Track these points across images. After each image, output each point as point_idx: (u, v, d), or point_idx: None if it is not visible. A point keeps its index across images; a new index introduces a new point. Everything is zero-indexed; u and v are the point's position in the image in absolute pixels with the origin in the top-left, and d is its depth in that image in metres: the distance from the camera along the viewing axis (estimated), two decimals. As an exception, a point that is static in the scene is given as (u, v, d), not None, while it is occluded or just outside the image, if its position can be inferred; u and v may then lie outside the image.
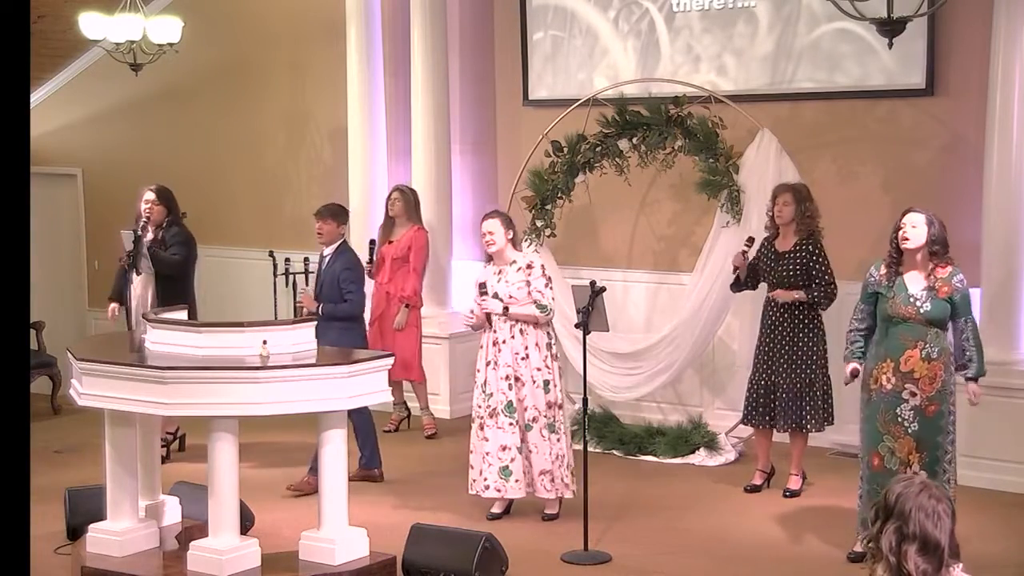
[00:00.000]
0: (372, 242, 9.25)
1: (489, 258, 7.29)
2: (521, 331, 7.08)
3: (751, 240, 7.72)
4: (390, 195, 9.31)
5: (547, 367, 7.10)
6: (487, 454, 7.10)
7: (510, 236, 7.18)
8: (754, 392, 7.65)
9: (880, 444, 6.17)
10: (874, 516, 3.39)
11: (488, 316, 7.15)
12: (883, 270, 6.23)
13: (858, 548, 6.29)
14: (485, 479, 7.11)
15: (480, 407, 7.17)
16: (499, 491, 7.10)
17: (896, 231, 6.19)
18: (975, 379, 6.22)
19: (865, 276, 6.35)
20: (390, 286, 9.14)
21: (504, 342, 7.10)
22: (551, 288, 7.14)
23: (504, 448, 7.06)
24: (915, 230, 6.12)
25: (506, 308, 7.05)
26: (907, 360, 6.10)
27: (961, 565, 3.36)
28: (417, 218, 9.26)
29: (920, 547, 3.27)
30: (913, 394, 6.10)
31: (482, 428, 7.14)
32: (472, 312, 7.24)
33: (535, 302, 7.04)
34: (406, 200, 9.21)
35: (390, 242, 9.16)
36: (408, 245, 9.12)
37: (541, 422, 7.08)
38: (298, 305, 8.27)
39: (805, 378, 7.50)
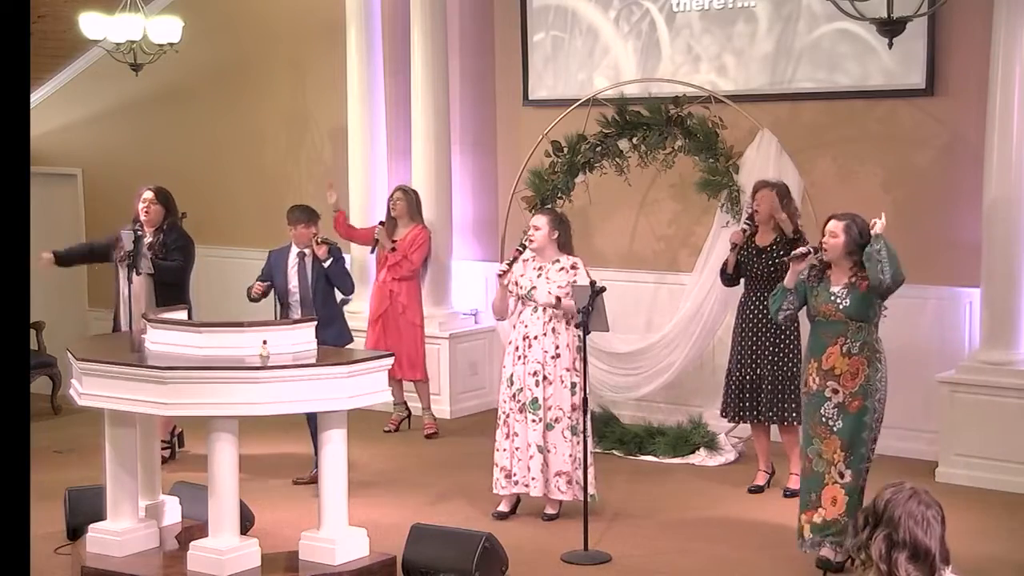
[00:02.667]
0: (381, 223, 9.21)
1: (513, 258, 7.21)
2: (554, 329, 7.07)
3: (751, 219, 7.70)
4: (392, 195, 9.31)
5: (576, 369, 7.09)
6: (516, 449, 7.10)
7: (555, 236, 7.16)
8: (734, 386, 7.71)
9: (810, 447, 6.19)
10: (863, 523, 3.37)
11: (500, 297, 7.20)
12: (811, 273, 6.23)
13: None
14: (514, 474, 7.11)
15: (506, 402, 7.17)
16: (526, 486, 7.09)
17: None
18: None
19: None
20: (394, 284, 9.14)
21: (536, 338, 7.09)
22: None
23: (528, 445, 7.07)
24: (834, 239, 6.12)
25: (559, 299, 7.03)
26: (828, 357, 6.11)
27: (951, 567, 3.36)
28: (419, 218, 9.27)
29: (911, 554, 3.26)
30: (835, 391, 6.09)
31: (507, 424, 7.13)
32: (505, 272, 7.16)
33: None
34: (408, 200, 9.22)
35: (393, 240, 9.16)
36: (410, 244, 9.12)
37: (564, 423, 7.06)
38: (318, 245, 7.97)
39: (788, 371, 7.55)
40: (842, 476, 6.09)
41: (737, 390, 7.71)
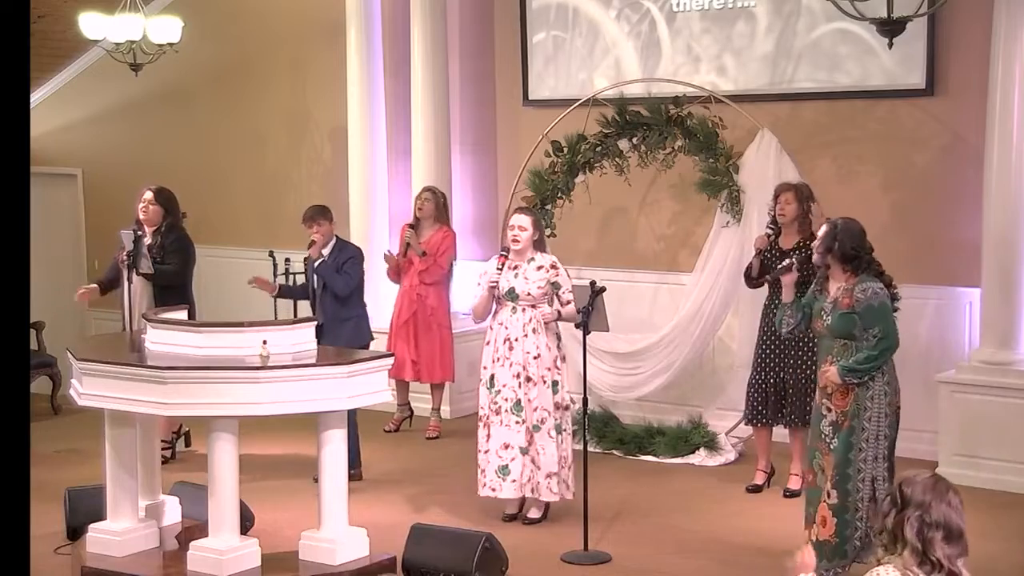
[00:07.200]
0: (410, 226, 9.11)
1: (502, 265, 7.13)
2: (535, 330, 7.03)
3: (774, 223, 7.66)
4: (420, 195, 9.20)
5: (557, 368, 7.07)
6: (487, 452, 7.09)
7: (536, 237, 7.13)
8: (759, 392, 7.65)
9: (813, 461, 6.05)
10: (887, 509, 3.51)
11: (486, 302, 7.16)
12: (817, 284, 6.11)
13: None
14: (486, 477, 7.10)
15: (485, 406, 7.16)
16: (494, 490, 7.05)
17: None
18: (841, 370, 5.83)
19: None
20: (421, 289, 9.08)
21: (517, 340, 7.05)
22: None
23: (507, 447, 7.02)
24: (816, 243, 5.99)
25: (558, 312, 7.01)
26: (823, 375, 5.97)
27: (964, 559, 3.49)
28: (445, 219, 9.21)
29: (945, 535, 3.41)
30: (829, 409, 5.93)
31: (487, 426, 7.12)
32: (490, 281, 7.12)
33: (570, 302, 7.00)
34: (436, 201, 9.13)
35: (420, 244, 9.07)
36: (437, 247, 9.05)
37: (549, 423, 7.03)
38: (251, 283, 8.35)
39: (809, 376, 7.51)
40: (829, 496, 5.88)
41: (760, 395, 7.65)
